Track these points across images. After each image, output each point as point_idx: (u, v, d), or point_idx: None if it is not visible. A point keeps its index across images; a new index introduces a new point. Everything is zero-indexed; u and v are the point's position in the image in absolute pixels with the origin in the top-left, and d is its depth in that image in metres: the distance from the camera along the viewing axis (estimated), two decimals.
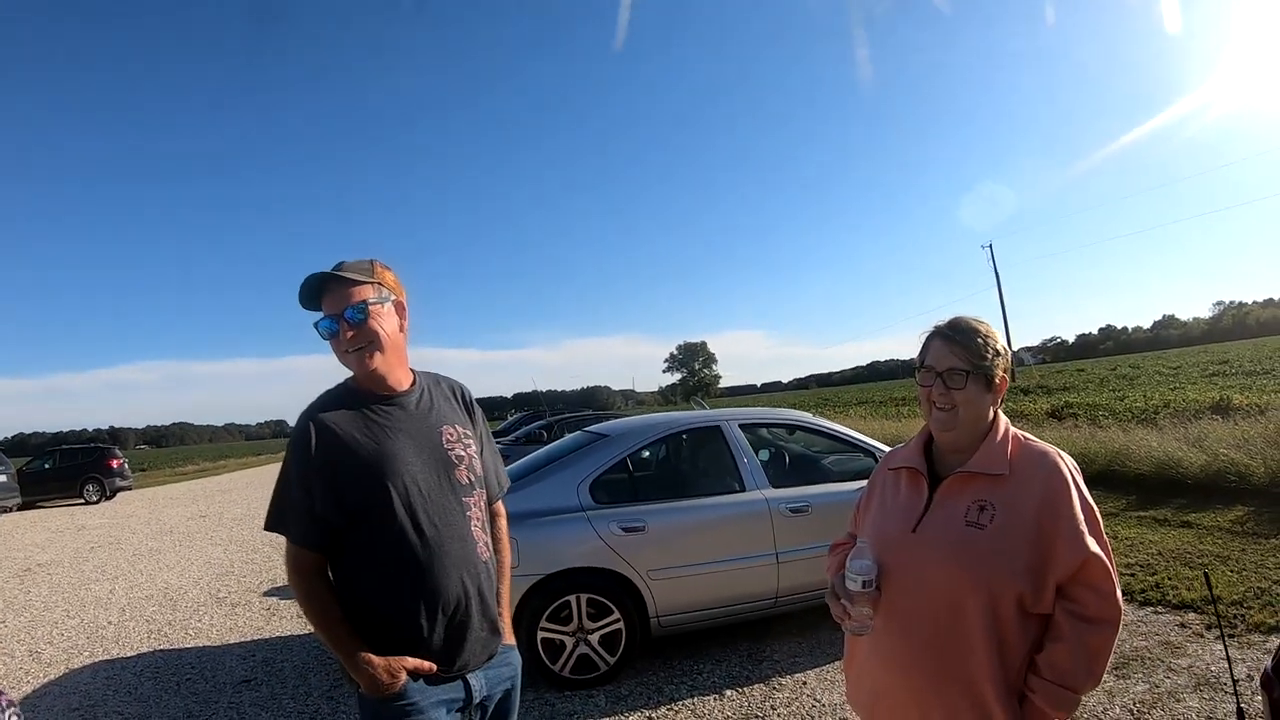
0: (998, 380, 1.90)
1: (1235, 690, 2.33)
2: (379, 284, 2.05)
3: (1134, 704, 4.08)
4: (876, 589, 1.85)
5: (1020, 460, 1.85)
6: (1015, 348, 54.41)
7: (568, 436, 6.76)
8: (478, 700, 2.09)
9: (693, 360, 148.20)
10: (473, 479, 2.13)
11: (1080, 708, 3.93)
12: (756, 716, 4.36)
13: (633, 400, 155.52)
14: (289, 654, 6.13)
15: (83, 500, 24.31)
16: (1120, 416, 15.50)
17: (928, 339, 1.97)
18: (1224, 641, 2.50)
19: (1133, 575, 6.30)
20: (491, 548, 2.16)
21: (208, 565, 10.63)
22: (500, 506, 2.33)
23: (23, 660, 6.53)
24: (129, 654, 6.51)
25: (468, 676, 2.06)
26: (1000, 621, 1.77)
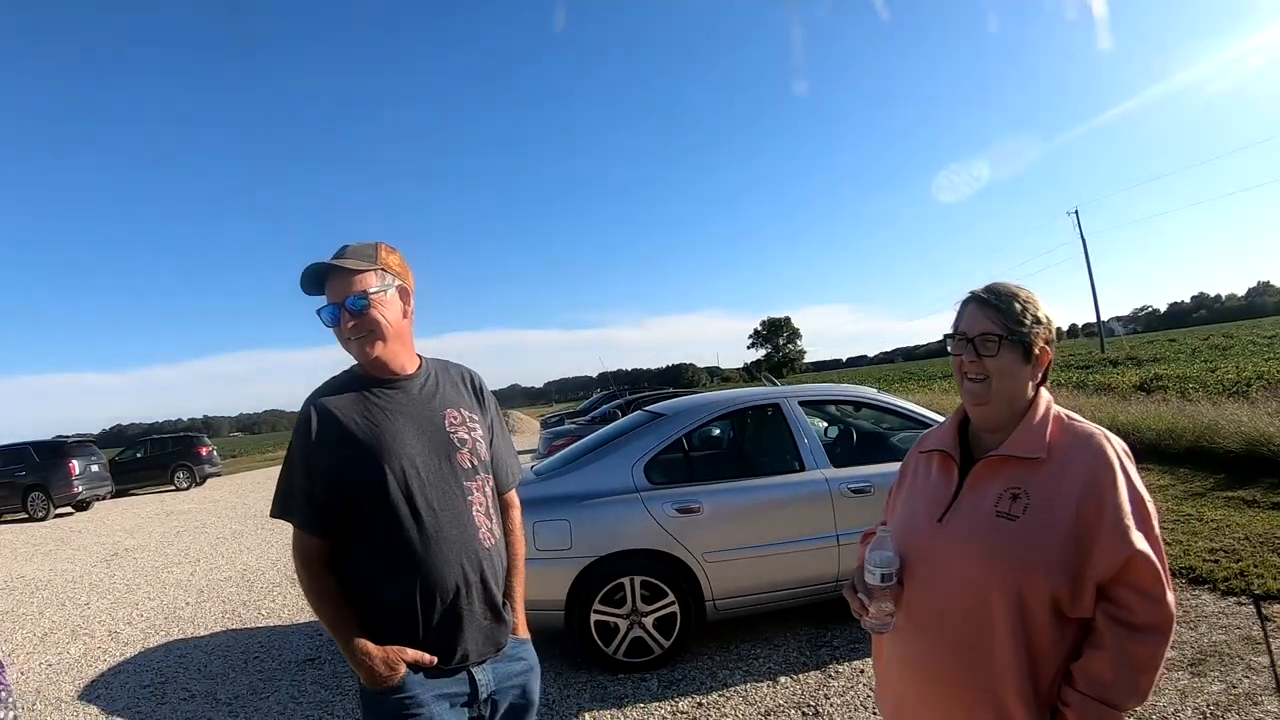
0: (1037, 351, 1.70)
1: None
2: (383, 270, 2.01)
3: (1208, 706, 3.76)
4: (898, 583, 1.69)
5: (1061, 443, 1.66)
6: (1105, 317, 52.50)
7: (627, 416, 6.70)
8: (485, 695, 2.02)
9: (777, 336, 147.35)
10: (476, 463, 2.06)
11: (1147, 707, 3.72)
12: (808, 704, 4.23)
13: (718, 377, 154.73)
14: None
15: (173, 487, 25.23)
16: (1210, 389, 14.78)
17: (962, 304, 1.79)
18: (1272, 661, 2.27)
19: (1216, 562, 5.88)
20: (496, 534, 2.09)
21: (285, 547, 10.71)
22: (513, 497, 2.27)
23: (102, 640, 6.76)
24: (202, 633, 6.69)
25: (473, 670, 2.00)
26: (1030, 624, 1.58)
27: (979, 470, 1.71)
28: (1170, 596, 1.55)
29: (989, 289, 1.75)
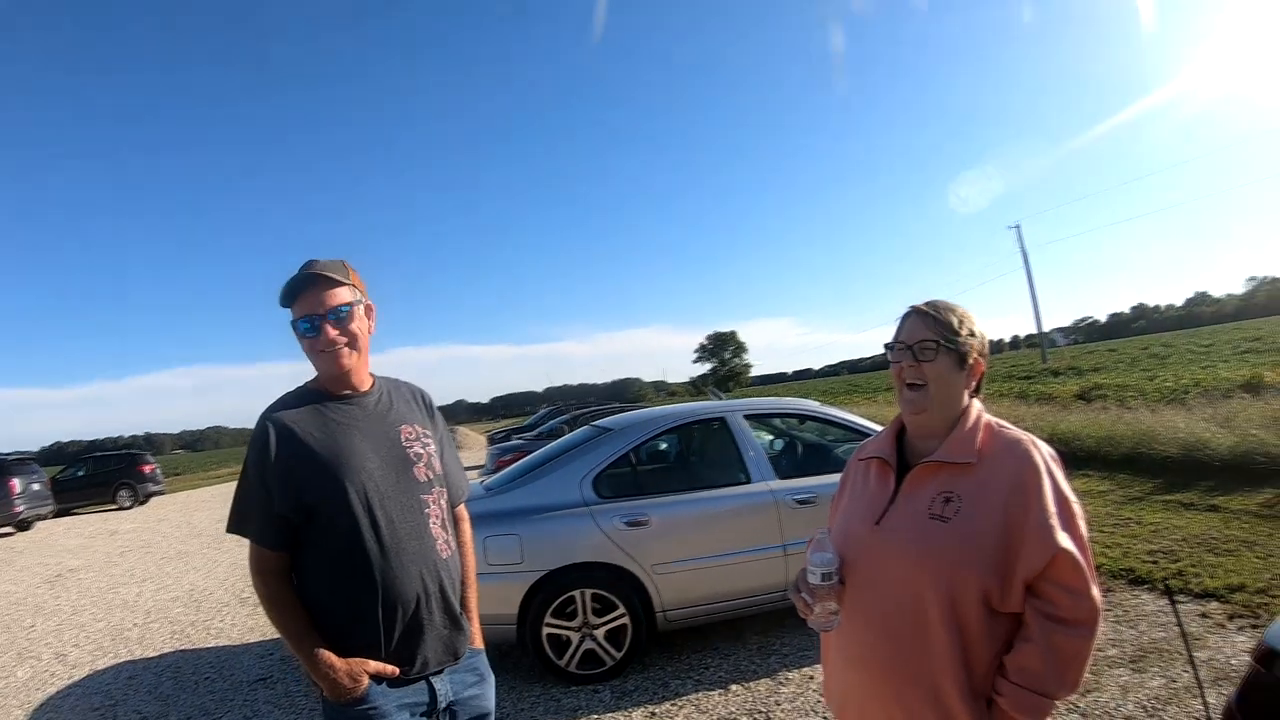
0: (971, 361, 1.84)
1: (1203, 703, 2.19)
2: (354, 286, 2.08)
3: (1149, 700, 3.94)
4: (839, 582, 1.78)
5: (990, 449, 1.77)
6: (1047, 328, 53.52)
7: (575, 431, 6.78)
8: (444, 705, 2.08)
9: (723, 350, 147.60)
10: (432, 477, 2.13)
11: (1091, 702, 3.91)
12: (760, 710, 4.34)
13: (664, 391, 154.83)
14: None
15: (116, 506, 24.71)
16: (1149, 397, 15.21)
17: (903, 317, 1.91)
18: (1192, 664, 2.40)
19: (1155, 563, 6.14)
20: (452, 545, 2.16)
21: (233, 566, 10.77)
22: (463, 511, 2.33)
23: (49, 663, 6.67)
24: (151, 654, 6.63)
25: (432, 679, 2.06)
26: (964, 620, 1.68)
27: (914, 475, 1.82)
28: (1095, 592, 1.66)
29: (928, 303, 1.88)
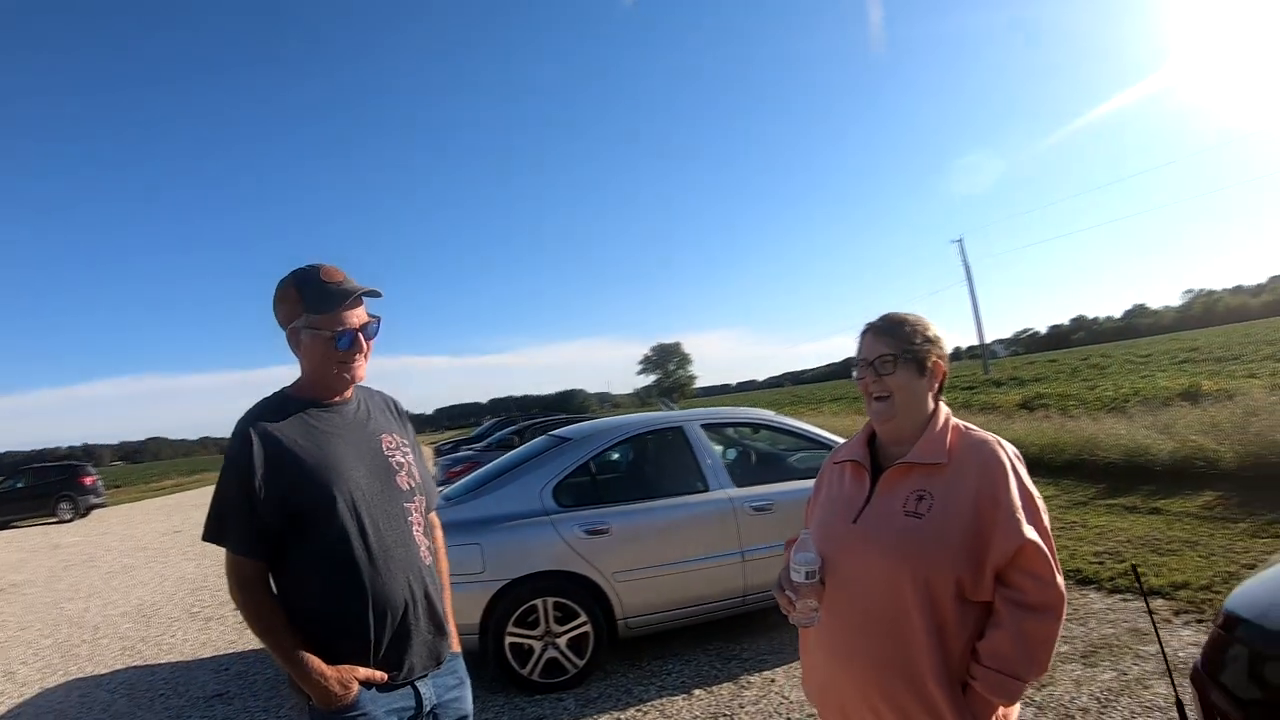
0: (931, 365, 1.95)
1: (1174, 685, 2.37)
2: None
3: (1101, 692, 4.13)
4: (820, 580, 1.87)
5: (959, 449, 1.88)
6: (988, 340, 54.69)
7: (532, 441, 6.81)
8: (428, 709, 2.11)
9: (667, 361, 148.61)
10: (413, 485, 2.17)
11: (1047, 695, 4.05)
12: (724, 715, 4.41)
13: (608, 403, 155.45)
14: (261, 667, 6.13)
15: (57, 519, 24.16)
16: (1090, 406, 15.64)
17: (861, 336, 2.02)
18: (1158, 636, 2.57)
19: (1101, 563, 6.37)
20: (432, 551, 2.19)
21: (181, 580, 10.61)
22: (435, 518, 2.36)
23: None
24: (103, 671, 6.51)
25: (417, 684, 2.08)
26: (939, 609, 1.79)
27: (888, 476, 1.93)
28: (1059, 579, 1.78)
29: (881, 318, 2.00)
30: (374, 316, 2.11)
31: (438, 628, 2.15)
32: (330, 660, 1.95)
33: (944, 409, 1.98)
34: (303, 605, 2.00)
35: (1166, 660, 2.40)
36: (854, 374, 2.01)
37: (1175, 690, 2.30)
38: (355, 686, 1.95)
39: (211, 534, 2.01)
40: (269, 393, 2.15)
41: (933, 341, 1.96)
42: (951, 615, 1.79)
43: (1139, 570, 2.66)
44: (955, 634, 1.80)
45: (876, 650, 1.84)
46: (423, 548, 2.14)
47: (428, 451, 40.52)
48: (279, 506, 1.95)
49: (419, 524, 2.16)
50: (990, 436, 1.91)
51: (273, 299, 2.10)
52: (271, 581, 2.04)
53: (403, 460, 2.18)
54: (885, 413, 1.94)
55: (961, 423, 1.96)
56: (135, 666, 6.57)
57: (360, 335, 2.07)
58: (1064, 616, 1.81)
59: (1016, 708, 1.89)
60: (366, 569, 1.99)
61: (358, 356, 2.08)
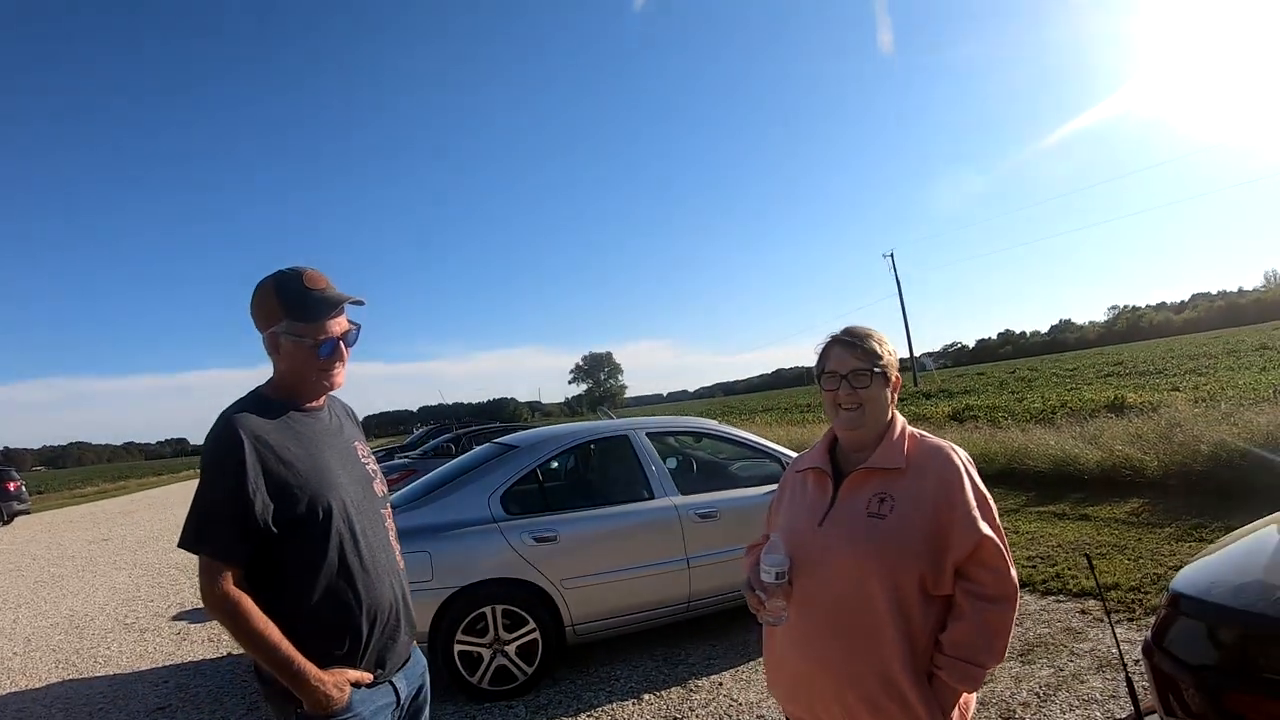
0: (893, 378, 2.07)
1: (1124, 661, 2.61)
2: None
3: (1040, 687, 4.32)
4: (789, 581, 1.97)
5: (916, 455, 2.00)
6: (917, 353, 55.77)
7: (478, 449, 6.83)
8: (404, 702, 2.17)
9: (598, 371, 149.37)
10: (385, 492, 2.24)
11: (988, 692, 4.22)
12: (674, 718, 4.50)
13: (539, 411, 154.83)
14: (202, 679, 6.06)
15: None
16: (1019, 417, 16.10)
17: (826, 347, 2.12)
18: (1109, 618, 2.78)
19: (1034, 567, 6.62)
20: (401, 556, 2.26)
21: (113, 591, 10.37)
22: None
23: None
24: (37, 685, 6.37)
25: (394, 680, 2.13)
26: (905, 605, 1.89)
27: (851, 481, 2.04)
28: (1013, 571, 1.93)
29: (849, 332, 2.11)
30: (354, 324, 2.13)
31: (411, 627, 2.21)
32: (320, 665, 1.93)
33: (900, 417, 2.10)
34: (295, 611, 1.96)
35: (1117, 640, 2.61)
36: (822, 384, 2.11)
37: (1126, 668, 2.54)
38: (348, 689, 1.96)
39: (192, 540, 1.92)
40: (234, 396, 2.09)
41: (893, 355, 2.09)
42: (916, 610, 1.90)
43: (1091, 559, 2.88)
44: (920, 627, 1.90)
45: (847, 646, 1.93)
46: (397, 552, 2.21)
47: None
48: (274, 512, 1.92)
49: (392, 529, 2.22)
50: (945, 443, 2.04)
51: (251, 300, 2.07)
52: (252, 588, 1.97)
53: (374, 468, 2.23)
54: (854, 422, 2.04)
55: (916, 430, 2.09)
56: (71, 680, 6.44)
57: (341, 344, 2.09)
58: (1018, 605, 1.95)
59: (975, 695, 2.01)
60: (360, 575, 2.02)
61: (338, 365, 2.10)
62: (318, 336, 2.04)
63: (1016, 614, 1.95)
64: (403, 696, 2.16)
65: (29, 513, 26.61)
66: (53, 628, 8.48)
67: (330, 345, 2.06)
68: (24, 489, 25.91)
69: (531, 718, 4.72)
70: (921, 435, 2.07)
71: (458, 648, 4.88)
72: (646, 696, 4.85)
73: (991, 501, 1.98)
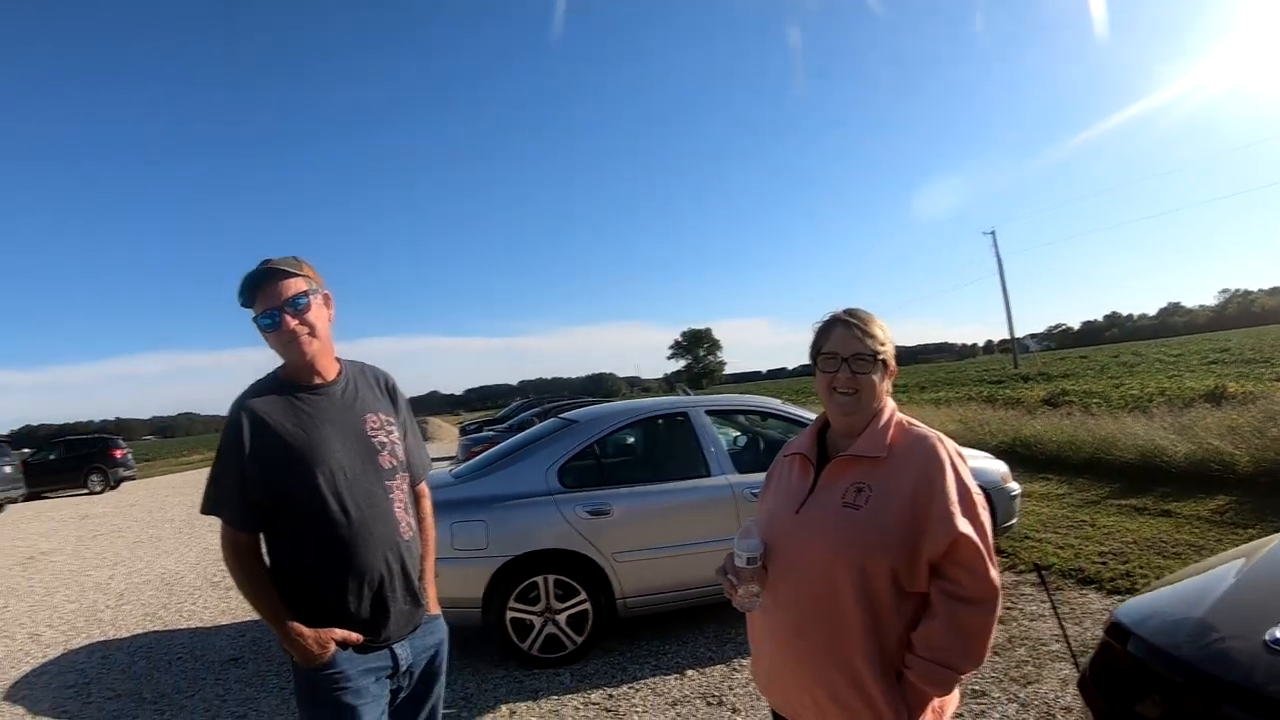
0: (891, 366, 2.02)
1: (1075, 663, 2.47)
2: (308, 277, 2.20)
3: None
4: (762, 566, 1.95)
5: (899, 444, 1.93)
6: (1020, 335, 54.13)
7: (542, 423, 6.94)
8: (404, 668, 2.26)
9: (697, 347, 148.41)
10: (395, 463, 2.29)
11: (1032, 694, 4.11)
12: (713, 695, 4.53)
13: (638, 386, 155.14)
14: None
15: (87, 490, 24.65)
16: (1114, 404, 15.44)
17: (826, 326, 2.05)
18: (1059, 621, 2.66)
19: (1104, 564, 6.32)
20: (414, 527, 2.33)
21: (205, 551, 10.86)
22: (424, 488, 2.50)
23: (23, 643, 6.79)
24: (124, 635, 6.76)
25: (394, 647, 2.23)
26: (875, 600, 1.83)
27: (830, 469, 1.99)
28: (994, 573, 1.82)
29: (852, 314, 2.04)
30: (305, 290, 2.17)
31: (414, 599, 2.28)
32: (309, 624, 2.10)
33: (890, 404, 2.04)
34: (289, 574, 2.16)
35: (1070, 645, 2.48)
36: (819, 366, 2.04)
37: (1081, 674, 2.41)
38: (332, 646, 2.11)
39: (208, 507, 2.16)
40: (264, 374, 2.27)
41: (891, 342, 2.03)
42: (887, 605, 1.85)
43: (1038, 563, 2.78)
44: (891, 624, 1.85)
45: (814, 637, 1.90)
46: (403, 524, 2.27)
47: (453, 430, 40.84)
48: (266, 486, 2.10)
49: (401, 501, 2.28)
50: (931, 432, 1.97)
51: None
52: (265, 549, 2.20)
53: (385, 440, 2.29)
54: (850, 407, 1.98)
55: (905, 418, 2.02)
56: (156, 631, 6.81)
57: (283, 311, 2.13)
58: (999, 609, 1.86)
59: (955, 699, 1.95)
60: (345, 544, 2.13)
61: (290, 331, 2.13)
62: (258, 312, 2.15)
63: (997, 617, 1.86)
64: (403, 664, 2.25)
65: (135, 479, 27.93)
66: (145, 584, 8.95)
67: (267, 317, 2.14)
68: (130, 456, 27.09)
69: (577, 685, 4.81)
70: (909, 423, 2.01)
71: (510, 615, 5.00)
72: (690, 672, 4.89)
73: (978, 497, 1.90)
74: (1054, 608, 2.71)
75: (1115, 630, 2.36)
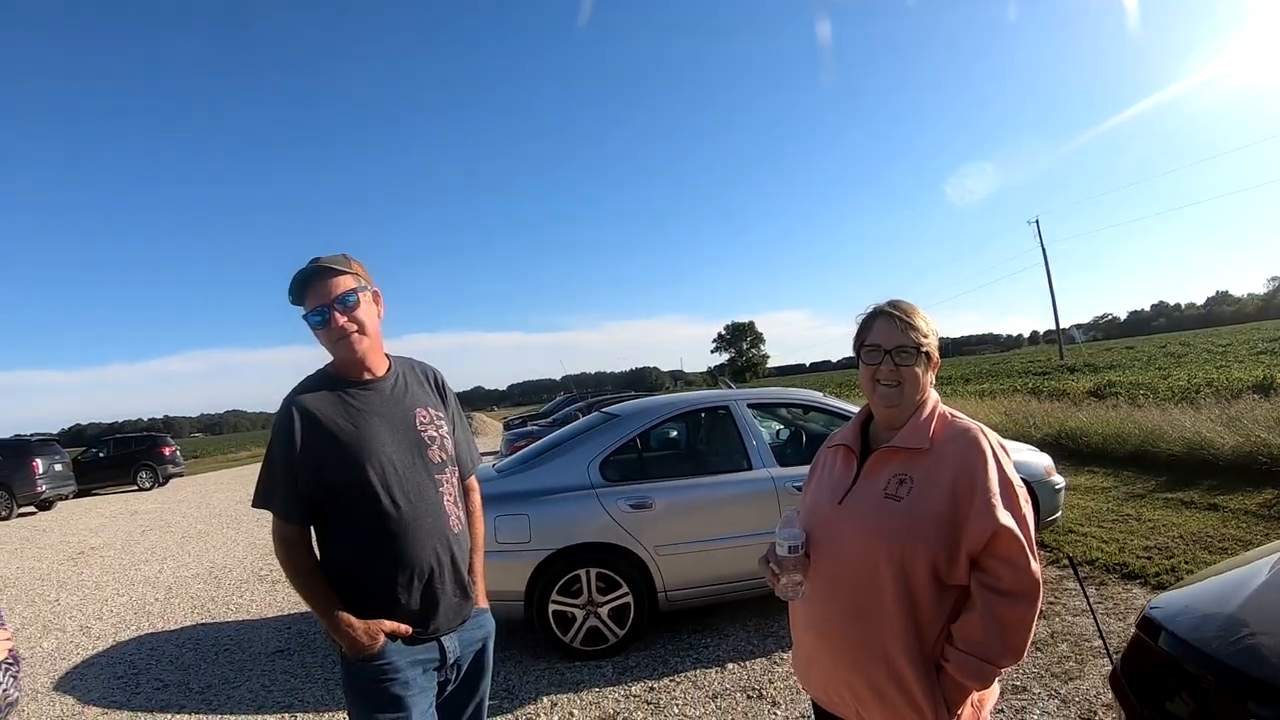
0: (934, 358, 2.00)
1: (1109, 657, 2.41)
2: (357, 274, 2.22)
3: None
4: (805, 555, 1.94)
5: (942, 435, 1.92)
6: (1066, 325, 53.29)
7: (586, 417, 6.95)
8: (452, 660, 2.26)
9: (740, 340, 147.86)
10: (445, 457, 2.30)
11: (1073, 690, 4.05)
12: (754, 688, 4.51)
13: (681, 380, 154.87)
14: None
15: (136, 487, 25.13)
16: (1160, 396, 15.17)
17: (869, 318, 2.04)
18: (1094, 614, 2.60)
19: (1149, 558, 6.22)
20: (463, 520, 2.33)
21: (252, 546, 11.04)
22: (473, 482, 2.51)
23: (73, 634, 6.92)
24: (173, 628, 6.87)
25: (442, 639, 2.23)
26: (914, 591, 1.82)
27: (873, 460, 1.98)
28: (1035, 566, 1.80)
29: (895, 305, 2.02)
30: (354, 287, 2.19)
31: (463, 591, 2.29)
32: (360, 616, 2.12)
33: (933, 395, 2.02)
34: (339, 566, 2.18)
35: (1105, 640, 2.43)
36: (863, 358, 2.04)
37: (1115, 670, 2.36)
38: (381, 638, 2.12)
39: (259, 500, 2.20)
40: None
41: (935, 334, 2.01)
42: (927, 597, 1.84)
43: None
44: (930, 616, 1.84)
45: (853, 628, 1.89)
46: (453, 517, 2.28)
47: (497, 425, 41.00)
48: (316, 480, 2.13)
49: (450, 494, 2.30)
50: (973, 424, 1.95)
51: None
52: (315, 541, 2.22)
53: (435, 434, 2.30)
54: (893, 399, 1.98)
55: (949, 410, 2.01)
56: (204, 624, 6.92)
57: (333, 309, 2.15)
58: (1039, 604, 1.83)
59: (994, 693, 1.93)
60: (396, 537, 2.14)
61: (340, 328, 2.16)
62: (307, 309, 2.18)
63: (1038, 610, 1.82)
64: (451, 656, 2.26)
65: (183, 475, 28.42)
66: (194, 578, 9.10)
67: (317, 314, 2.17)
68: (179, 453, 27.58)
69: (618, 678, 4.81)
70: (953, 415, 1.99)
71: (552, 607, 5.01)
72: (731, 665, 4.87)
73: (1020, 489, 1.87)
74: (1088, 601, 2.63)
75: (1147, 625, 2.32)
